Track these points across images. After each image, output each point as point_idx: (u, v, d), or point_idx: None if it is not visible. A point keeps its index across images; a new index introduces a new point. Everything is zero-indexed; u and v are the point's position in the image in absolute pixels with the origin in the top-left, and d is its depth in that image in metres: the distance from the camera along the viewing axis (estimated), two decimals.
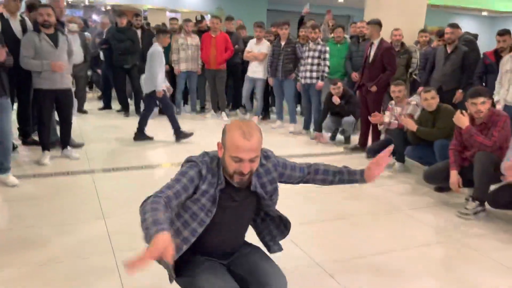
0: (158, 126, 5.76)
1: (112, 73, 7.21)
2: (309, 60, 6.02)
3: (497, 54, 4.93)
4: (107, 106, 7.72)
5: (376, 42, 5.27)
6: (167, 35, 5.70)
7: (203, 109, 7.91)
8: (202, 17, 8.29)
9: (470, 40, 5.65)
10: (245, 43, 7.05)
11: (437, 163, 3.99)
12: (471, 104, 3.55)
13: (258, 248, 1.89)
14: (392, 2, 6.59)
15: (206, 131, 6.19)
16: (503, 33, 4.94)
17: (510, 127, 3.60)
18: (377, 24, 5.25)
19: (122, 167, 4.44)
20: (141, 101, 7.35)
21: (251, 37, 7.10)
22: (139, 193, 3.78)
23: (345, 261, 2.68)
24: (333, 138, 6.05)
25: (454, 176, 3.63)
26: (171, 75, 7.35)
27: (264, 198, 1.76)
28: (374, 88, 5.24)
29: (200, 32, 7.50)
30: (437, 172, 3.86)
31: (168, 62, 7.62)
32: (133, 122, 6.87)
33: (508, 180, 3.05)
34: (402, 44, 6.23)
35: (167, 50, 7.56)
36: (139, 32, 7.30)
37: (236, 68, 7.39)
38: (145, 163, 4.66)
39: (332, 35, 6.77)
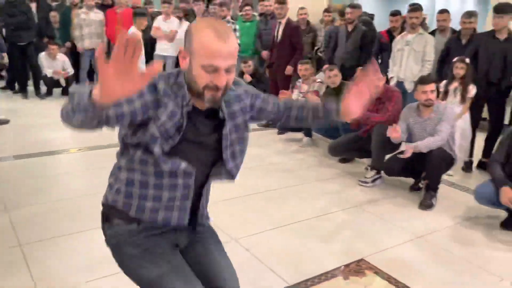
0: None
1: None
2: None
3: (390, 34, 5.37)
4: (9, 86, 7.07)
5: (283, 22, 5.44)
6: (144, 17, 5.39)
7: None
8: None
9: (367, 21, 6.06)
10: (153, 19, 6.82)
11: (340, 137, 4.31)
12: None
13: (214, 232, 1.62)
14: None
15: None
16: (394, 13, 5.38)
17: (402, 101, 4.02)
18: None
19: (24, 154, 4.15)
20: (41, 81, 6.84)
21: (159, 13, 6.89)
22: (44, 182, 3.50)
23: (259, 234, 2.84)
24: None
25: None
26: (73, 53, 6.90)
27: (231, 132, 1.41)
28: (289, 70, 5.41)
29: (104, 7, 7.09)
30: (340, 145, 4.19)
31: (69, 39, 7.15)
32: (32, 105, 6.40)
33: (404, 155, 3.42)
34: (308, 22, 6.48)
35: (68, 26, 7.08)
36: (33, 5, 6.71)
37: (144, 45, 7.14)
38: (50, 149, 4.39)
39: (241, 13, 6.83)
